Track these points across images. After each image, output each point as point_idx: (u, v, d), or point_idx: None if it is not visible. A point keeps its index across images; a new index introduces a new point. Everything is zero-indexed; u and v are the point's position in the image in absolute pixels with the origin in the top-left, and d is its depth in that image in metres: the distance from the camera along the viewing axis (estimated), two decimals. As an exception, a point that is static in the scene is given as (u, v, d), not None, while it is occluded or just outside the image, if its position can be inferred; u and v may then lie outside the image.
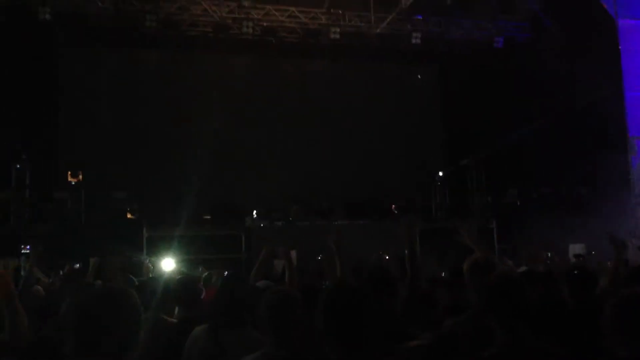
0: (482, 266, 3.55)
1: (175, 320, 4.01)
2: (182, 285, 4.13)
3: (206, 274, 7.08)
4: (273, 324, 2.79)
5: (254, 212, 13.60)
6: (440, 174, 16.56)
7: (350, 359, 2.28)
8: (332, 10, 15.66)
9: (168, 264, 6.85)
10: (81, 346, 1.96)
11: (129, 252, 9.10)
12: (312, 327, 2.53)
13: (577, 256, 8.31)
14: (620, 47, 13.11)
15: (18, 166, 11.96)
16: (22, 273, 5.90)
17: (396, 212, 14.50)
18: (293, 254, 8.27)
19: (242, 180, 15.15)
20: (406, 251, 4.05)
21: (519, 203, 14.61)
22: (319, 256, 9.01)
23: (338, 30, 15.67)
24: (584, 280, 4.12)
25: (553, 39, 14.99)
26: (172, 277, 5.15)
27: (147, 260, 7.56)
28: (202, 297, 4.59)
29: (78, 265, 6.86)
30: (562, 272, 4.59)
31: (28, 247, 5.57)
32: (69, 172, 12.88)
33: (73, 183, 12.70)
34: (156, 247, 11.48)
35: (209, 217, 13.44)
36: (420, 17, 16.09)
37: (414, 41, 15.96)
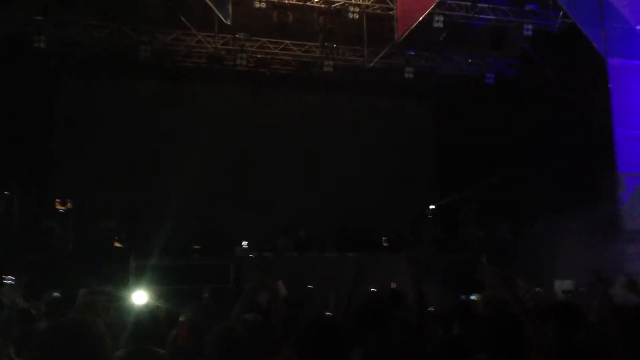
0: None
1: (162, 351, 3.96)
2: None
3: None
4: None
5: (243, 242, 13.53)
6: (432, 207, 16.57)
7: None
8: (326, 44, 15.84)
9: (140, 297, 6.62)
10: None
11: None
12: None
13: (565, 292, 8.27)
14: (610, 85, 13.27)
15: (6, 193, 11.85)
16: (4, 302, 5.79)
17: (386, 245, 14.45)
18: (281, 283, 8.22)
19: (232, 211, 15.11)
20: (412, 287, 3.94)
21: (509, 238, 14.59)
22: (308, 286, 8.95)
23: (331, 63, 15.83)
24: (569, 316, 4.09)
25: (543, 76, 15.18)
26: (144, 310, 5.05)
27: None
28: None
29: (57, 294, 6.74)
30: (548, 307, 4.55)
31: (11, 277, 5.47)
32: (58, 200, 12.79)
33: (62, 211, 12.60)
34: (144, 277, 11.35)
35: (198, 247, 13.34)
36: (413, 52, 16.29)
37: (406, 75, 16.14)
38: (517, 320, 2.73)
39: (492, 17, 14.48)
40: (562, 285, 9.98)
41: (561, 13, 14.53)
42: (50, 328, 2.14)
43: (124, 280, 11.29)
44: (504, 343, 2.62)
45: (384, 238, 14.65)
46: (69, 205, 12.66)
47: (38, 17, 13.80)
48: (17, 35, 13.91)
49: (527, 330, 2.70)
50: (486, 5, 14.38)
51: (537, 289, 7.53)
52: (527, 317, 2.82)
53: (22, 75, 14.00)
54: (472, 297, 7.82)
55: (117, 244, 12.59)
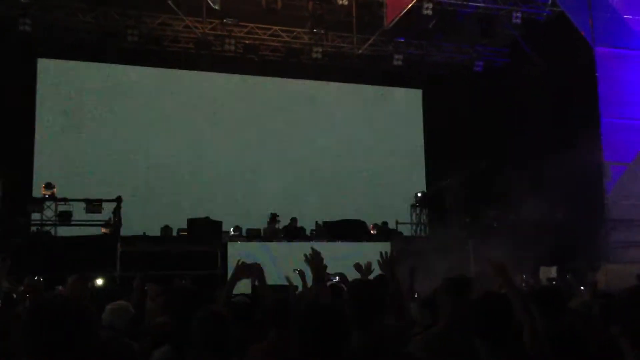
0: (458, 284, 3.52)
1: None
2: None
3: None
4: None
5: (231, 229, 13.50)
6: (419, 194, 16.62)
7: None
8: (314, 30, 15.74)
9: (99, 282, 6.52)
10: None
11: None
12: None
13: (549, 280, 8.34)
14: (597, 74, 13.33)
15: (-10, 178, 11.73)
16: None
17: (373, 232, 14.46)
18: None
19: (219, 197, 15.07)
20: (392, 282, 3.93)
21: (495, 225, 14.65)
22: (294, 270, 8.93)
23: (320, 50, 15.76)
24: (553, 301, 4.11)
25: (532, 64, 15.21)
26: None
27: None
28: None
29: (39, 278, 6.70)
30: (533, 293, 4.58)
31: (-5, 260, 5.40)
32: (43, 186, 12.67)
33: (47, 196, 12.48)
34: (130, 263, 11.30)
35: (185, 232, 13.30)
36: (402, 40, 16.25)
37: (395, 63, 16.12)
38: (506, 301, 2.73)
39: (481, 4, 14.45)
40: (548, 272, 10.07)
41: (550, 1, 14.54)
42: (33, 307, 2.07)
43: (110, 266, 11.25)
44: (494, 325, 2.62)
45: (371, 226, 14.66)
46: (54, 190, 12.53)
47: (23, 0, 13.59)
48: (2, 17, 13.71)
49: (518, 313, 2.71)
50: (475, -7, 14.36)
51: (523, 275, 7.58)
52: (520, 299, 2.83)
53: (6, 59, 13.81)
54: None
55: (103, 230, 12.50)
